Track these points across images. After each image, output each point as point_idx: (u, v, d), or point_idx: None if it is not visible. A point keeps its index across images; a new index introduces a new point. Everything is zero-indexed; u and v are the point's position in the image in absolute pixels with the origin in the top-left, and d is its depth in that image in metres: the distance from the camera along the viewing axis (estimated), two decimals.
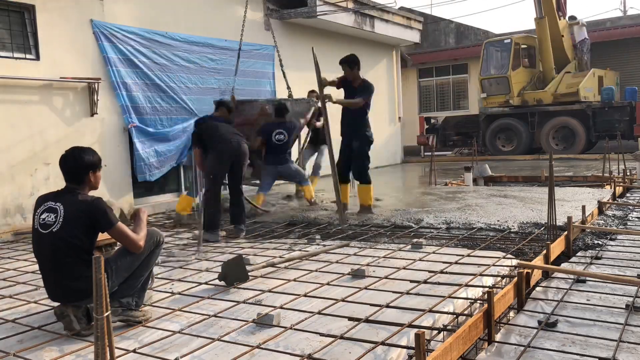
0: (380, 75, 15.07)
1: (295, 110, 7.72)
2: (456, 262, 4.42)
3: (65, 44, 7.34)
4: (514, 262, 4.28)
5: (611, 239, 5.21)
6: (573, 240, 5.06)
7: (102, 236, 3.64)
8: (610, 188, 8.16)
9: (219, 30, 9.72)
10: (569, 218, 4.98)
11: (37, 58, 7.05)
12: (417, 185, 10.68)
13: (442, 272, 4.13)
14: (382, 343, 2.81)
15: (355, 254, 4.93)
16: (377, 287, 3.85)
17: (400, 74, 16.42)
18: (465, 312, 3.32)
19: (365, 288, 3.84)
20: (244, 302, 3.66)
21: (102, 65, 7.74)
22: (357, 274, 4.17)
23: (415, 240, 5.31)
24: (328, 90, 6.64)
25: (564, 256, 4.79)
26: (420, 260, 4.57)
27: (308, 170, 8.52)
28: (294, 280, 4.16)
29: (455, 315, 3.24)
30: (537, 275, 4.00)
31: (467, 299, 3.51)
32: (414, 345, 2.40)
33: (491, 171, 11.06)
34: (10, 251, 5.88)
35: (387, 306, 3.40)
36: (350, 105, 6.72)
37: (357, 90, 6.71)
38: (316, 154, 8.70)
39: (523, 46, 17.01)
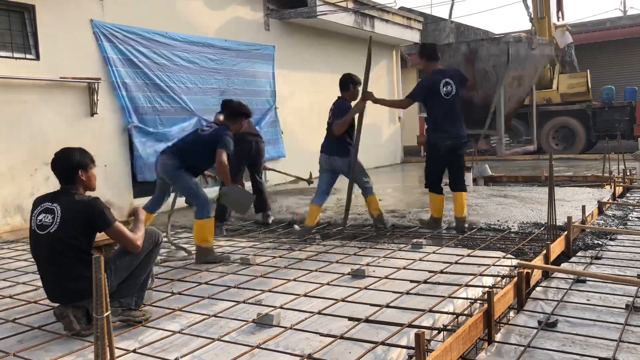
0: (380, 75, 15.06)
1: None
2: (456, 262, 4.43)
3: (65, 44, 7.34)
4: (514, 262, 4.28)
5: (611, 239, 5.21)
6: (573, 240, 5.06)
7: (102, 236, 3.64)
8: (610, 188, 8.15)
9: (219, 30, 9.72)
10: (569, 218, 4.98)
11: (37, 58, 7.05)
12: (417, 185, 10.66)
13: (442, 272, 4.13)
14: (382, 343, 2.81)
15: (355, 254, 4.93)
16: (377, 287, 3.85)
17: (400, 74, 16.41)
18: (465, 312, 3.32)
19: (365, 288, 3.84)
20: (244, 302, 3.66)
21: (102, 65, 7.74)
22: (357, 274, 4.17)
23: (415, 240, 5.31)
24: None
25: (564, 256, 4.78)
26: (420, 260, 4.57)
27: None
28: (294, 280, 4.16)
29: (455, 315, 3.24)
30: (537, 275, 4.00)
31: (467, 299, 3.51)
32: (414, 345, 2.40)
33: (491, 171, 11.05)
34: (10, 251, 5.88)
35: (387, 306, 3.40)
36: (394, 105, 6.14)
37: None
38: None
39: None
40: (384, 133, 15.10)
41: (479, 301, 3.48)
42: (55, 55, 7.21)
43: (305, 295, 3.73)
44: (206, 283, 4.16)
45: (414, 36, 15.32)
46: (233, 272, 4.47)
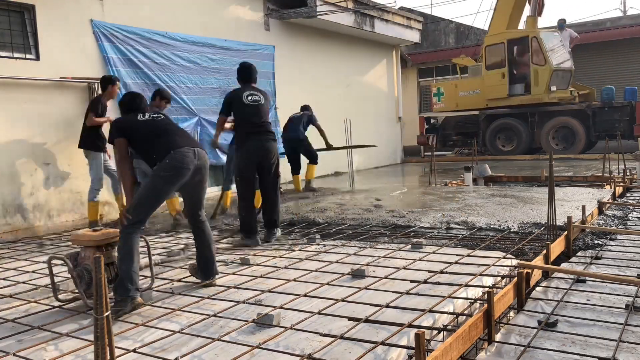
0: (380, 75, 15.08)
1: None
2: (456, 262, 4.42)
3: (65, 44, 7.35)
4: (514, 262, 4.28)
5: (611, 239, 5.21)
6: (573, 240, 5.06)
7: (102, 236, 3.65)
8: (610, 188, 8.15)
9: (219, 30, 9.73)
10: (569, 218, 4.98)
11: (37, 58, 7.05)
12: (417, 185, 10.67)
13: (442, 272, 4.13)
14: (382, 343, 2.81)
15: (355, 254, 4.94)
16: (377, 287, 3.85)
17: (400, 73, 16.43)
18: (465, 312, 3.32)
19: (365, 288, 3.84)
20: (244, 302, 3.66)
21: (102, 65, 7.74)
22: (357, 274, 4.17)
23: (415, 240, 5.31)
24: None
25: (564, 256, 4.78)
26: (420, 260, 4.57)
27: None
28: (294, 280, 4.16)
29: (455, 315, 3.24)
30: (537, 275, 4.00)
31: (467, 299, 3.51)
32: (414, 345, 2.40)
33: (491, 171, 11.06)
34: (10, 251, 5.88)
35: (387, 306, 3.40)
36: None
37: None
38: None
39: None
40: (384, 133, 15.11)
41: (479, 301, 3.48)
42: (55, 55, 7.21)
43: (305, 295, 3.73)
44: (206, 283, 4.16)
45: (414, 36, 15.34)
46: (233, 272, 4.48)
